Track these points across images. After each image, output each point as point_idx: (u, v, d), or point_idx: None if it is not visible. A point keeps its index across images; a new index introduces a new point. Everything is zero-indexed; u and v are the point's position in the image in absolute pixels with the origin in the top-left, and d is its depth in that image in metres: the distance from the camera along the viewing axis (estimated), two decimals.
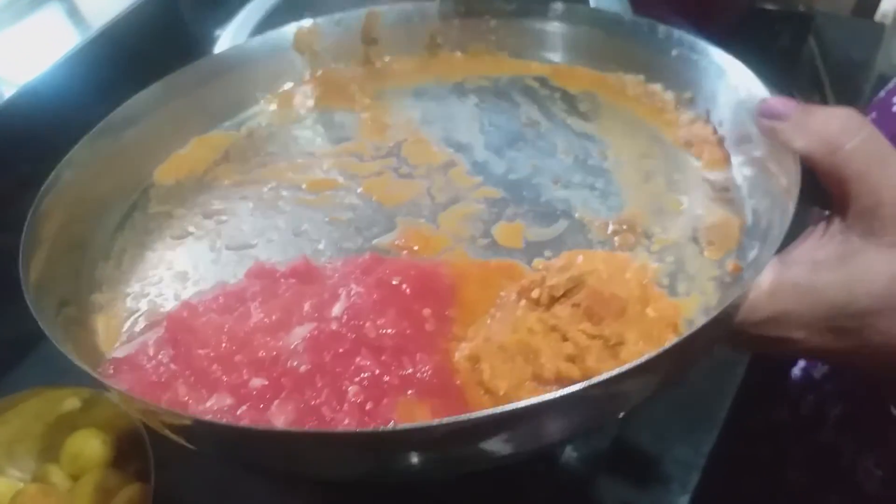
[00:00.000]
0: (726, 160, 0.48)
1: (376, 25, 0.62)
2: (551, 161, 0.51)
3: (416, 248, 0.45)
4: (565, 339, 0.34)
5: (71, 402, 0.52)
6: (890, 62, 0.79)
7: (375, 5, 0.61)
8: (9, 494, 0.49)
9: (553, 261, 0.41)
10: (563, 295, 0.36)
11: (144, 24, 0.67)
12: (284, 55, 0.61)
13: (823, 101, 0.73)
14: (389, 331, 0.36)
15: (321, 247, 0.47)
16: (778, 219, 0.40)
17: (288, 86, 0.61)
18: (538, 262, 0.43)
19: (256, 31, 0.67)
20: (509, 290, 0.40)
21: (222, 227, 0.49)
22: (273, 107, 0.60)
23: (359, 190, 0.51)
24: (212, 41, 0.67)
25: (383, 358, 0.35)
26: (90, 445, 0.51)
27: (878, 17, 0.94)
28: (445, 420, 0.27)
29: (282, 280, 0.41)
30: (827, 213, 0.39)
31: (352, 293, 0.39)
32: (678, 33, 0.53)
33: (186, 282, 0.46)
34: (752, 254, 0.42)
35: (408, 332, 0.37)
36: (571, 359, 0.34)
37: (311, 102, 0.60)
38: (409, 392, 0.34)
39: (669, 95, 0.54)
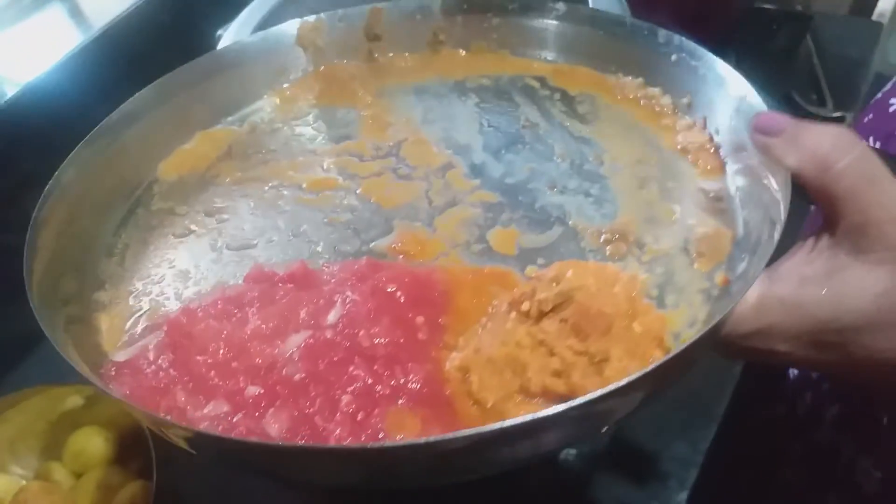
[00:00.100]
0: (721, 169, 0.49)
1: (379, 22, 0.62)
2: (548, 165, 0.52)
3: (412, 252, 0.46)
4: (552, 354, 0.35)
5: (73, 399, 0.52)
6: (887, 61, 0.79)
7: (379, 2, 0.62)
8: (11, 492, 0.50)
9: (544, 271, 0.42)
10: (552, 309, 0.37)
11: (146, 24, 0.68)
12: (288, 50, 0.61)
13: (821, 99, 0.73)
14: (382, 340, 0.37)
15: (319, 249, 0.48)
16: (767, 233, 0.41)
17: (291, 81, 0.62)
18: (531, 270, 0.44)
19: (258, 31, 0.67)
20: (501, 299, 0.41)
21: (223, 226, 0.50)
22: (276, 102, 0.61)
23: (358, 191, 0.52)
24: (213, 41, 0.67)
25: (376, 367, 0.37)
26: (92, 443, 0.51)
27: (875, 16, 0.93)
28: (429, 439, 0.28)
29: (280, 285, 0.42)
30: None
31: (347, 301, 0.39)
32: (678, 39, 0.53)
33: (188, 281, 0.47)
34: (742, 266, 0.42)
35: (401, 341, 0.38)
36: (557, 374, 0.35)
37: (313, 98, 0.61)
38: (400, 402, 0.35)
39: (667, 100, 0.54)
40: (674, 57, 0.53)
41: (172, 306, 0.45)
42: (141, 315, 0.45)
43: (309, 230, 0.49)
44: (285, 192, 0.52)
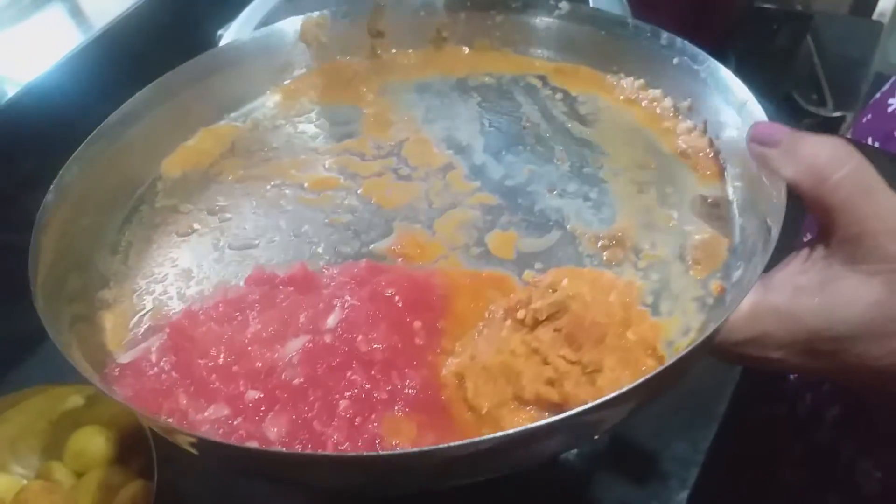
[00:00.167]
0: (720, 174, 0.49)
1: (383, 18, 0.62)
2: (548, 167, 0.52)
3: (411, 254, 0.47)
4: (546, 362, 0.36)
5: (74, 399, 0.53)
6: (887, 60, 0.79)
7: None
8: (12, 491, 0.50)
9: (541, 277, 0.42)
10: (547, 318, 0.37)
11: (146, 24, 0.68)
12: (291, 46, 0.61)
13: (821, 99, 0.73)
14: (380, 346, 0.38)
15: (320, 250, 0.48)
16: (763, 241, 0.41)
17: (294, 77, 0.62)
18: (528, 275, 0.44)
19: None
20: (498, 304, 0.41)
21: (226, 226, 0.51)
22: (278, 98, 0.61)
23: (359, 191, 0.52)
24: (214, 41, 0.68)
25: (373, 372, 0.37)
26: (93, 442, 0.52)
27: (875, 15, 0.93)
28: (421, 449, 0.29)
29: (280, 287, 0.43)
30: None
31: (346, 305, 0.40)
32: (680, 42, 0.53)
33: (190, 280, 0.47)
34: (737, 274, 0.43)
35: (398, 346, 0.38)
36: (551, 382, 0.36)
37: (315, 95, 0.61)
38: (397, 407, 0.36)
39: (668, 102, 0.54)
40: (676, 60, 0.53)
41: (175, 306, 0.45)
42: (144, 314, 0.45)
43: (310, 230, 0.50)
44: (287, 192, 0.53)
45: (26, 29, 0.69)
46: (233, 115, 0.60)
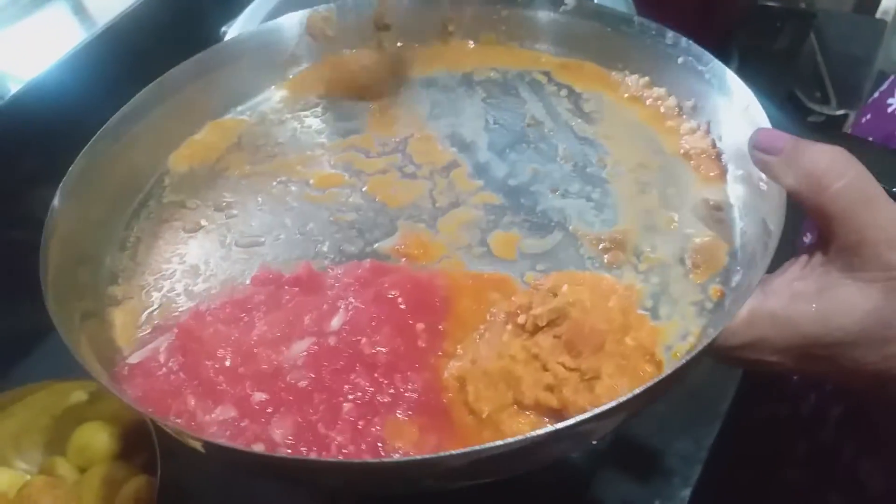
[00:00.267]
0: (722, 177, 0.49)
1: (389, 12, 0.62)
2: (551, 166, 0.53)
3: (414, 254, 0.47)
4: (546, 369, 0.37)
5: (78, 395, 0.53)
6: (890, 59, 0.78)
7: None
8: (16, 487, 0.50)
9: (542, 280, 0.43)
10: (547, 324, 0.38)
11: (150, 20, 0.68)
12: (298, 40, 0.62)
13: (824, 97, 0.73)
14: (383, 349, 0.39)
15: (325, 248, 0.49)
16: (763, 247, 0.42)
17: (300, 71, 0.62)
18: (530, 277, 0.45)
19: None
20: (499, 307, 0.42)
21: (232, 222, 0.51)
22: (285, 93, 0.61)
23: (364, 188, 0.53)
24: (218, 38, 0.68)
25: (376, 375, 0.38)
26: (97, 438, 0.52)
27: (879, 13, 0.92)
28: (420, 457, 0.29)
29: (286, 287, 0.44)
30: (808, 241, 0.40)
31: (350, 307, 0.41)
32: (686, 41, 0.53)
33: (198, 277, 0.48)
34: (736, 279, 0.43)
35: (401, 349, 0.39)
36: (550, 388, 0.36)
37: (321, 89, 0.61)
38: (399, 409, 0.37)
39: (672, 101, 0.55)
40: (681, 59, 0.53)
41: (183, 303, 0.46)
42: (153, 311, 0.46)
43: (315, 228, 0.50)
44: (293, 188, 0.53)
45: (29, 26, 0.69)
46: (239, 108, 0.60)
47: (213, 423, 0.36)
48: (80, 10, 0.69)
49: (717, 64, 0.50)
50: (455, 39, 0.63)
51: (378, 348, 0.39)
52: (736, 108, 0.48)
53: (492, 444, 0.30)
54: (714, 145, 0.51)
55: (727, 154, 0.50)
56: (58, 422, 0.54)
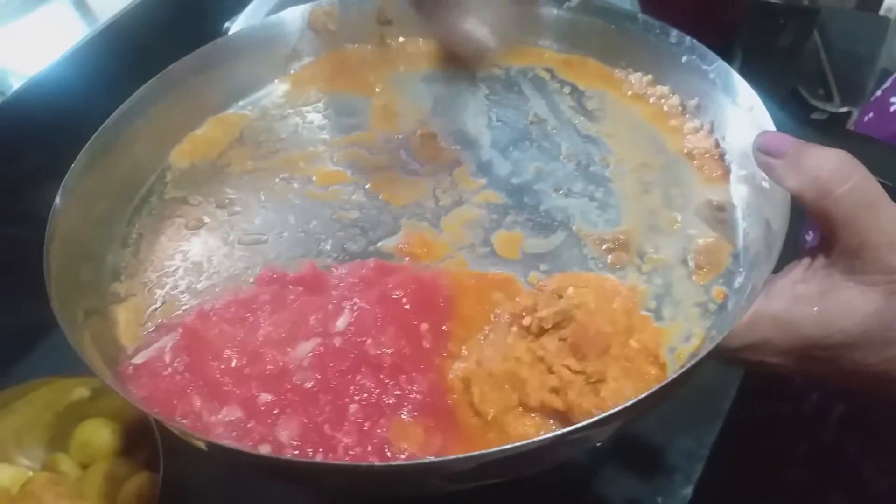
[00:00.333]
0: (725, 177, 0.49)
1: (392, 6, 0.62)
2: (555, 165, 0.53)
3: (418, 253, 0.47)
4: (551, 371, 0.37)
5: (80, 391, 0.53)
6: (893, 56, 0.78)
7: None
8: (18, 483, 0.50)
9: (546, 281, 0.43)
10: (552, 327, 0.38)
11: (152, 16, 0.67)
12: (299, 34, 0.61)
13: (828, 94, 0.73)
14: (389, 349, 0.39)
15: (328, 247, 0.49)
16: (766, 249, 0.42)
17: (302, 66, 0.62)
18: (533, 277, 0.45)
19: None
20: (503, 308, 0.42)
21: (235, 219, 0.51)
22: (287, 87, 0.61)
23: (366, 186, 0.53)
24: (221, 34, 0.67)
25: (382, 376, 0.38)
26: (99, 435, 0.52)
27: (882, 10, 0.92)
28: (426, 460, 0.30)
29: (290, 287, 0.44)
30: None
31: (355, 307, 0.41)
32: (690, 40, 0.53)
33: (201, 275, 0.48)
34: (739, 280, 0.43)
35: (406, 350, 0.39)
36: (555, 391, 0.37)
37: (323, 84, 0.61)
38: (405, 411, 0.37)
39: (676, 100, 0.55)
40: (684, 58, 0.53)
41: (186, 301, 0.46)
42: (156, 309, 0.46)
43: (318, 226, 0.50)
44: (295, 185, 0.53)
45: (31, 22, 0.69)
46: (241, 103, 0.60)
47: (220, 423, 0.36)
48: (82, 6, 0.69)
49: (721, 64, 0.50)
50: None
51: (383, 349, 0.39)
52: (740, 109, 0.49)
53: (502, 448, 0.30)
54: (717, 145, 0.51)
55: (730, 154, 0.50)
56: (60, 418, 0.54)
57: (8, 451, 0.53)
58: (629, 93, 0.57)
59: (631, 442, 0.55)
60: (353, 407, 0.37)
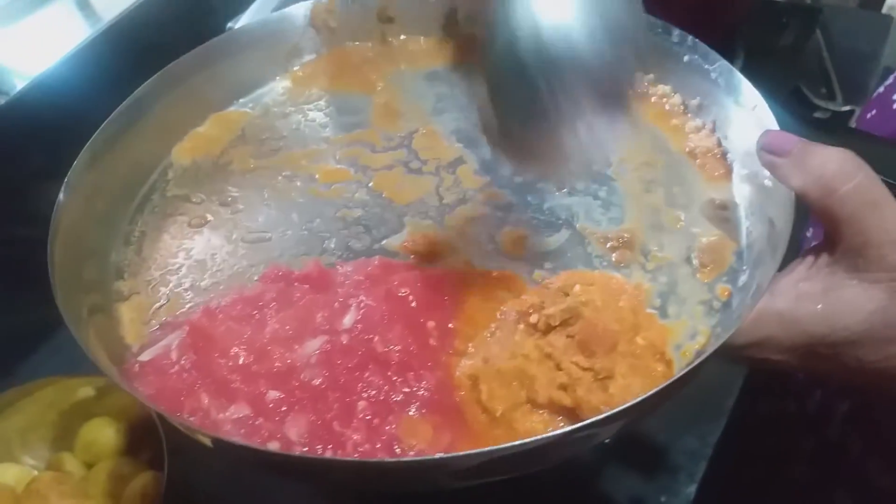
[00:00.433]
0: (727, 176, 0.49)
1: (393, 3, 0.62)
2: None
3: (422, 251, 0.47)
4: (559, 368, 0.37)
5: (85, 390, 0.53)
6: None
7: None
8: (24, 482, 0.50)
9: (552, 279, 0.43)
10: (560, 324, 0.38)
11: (155, 16, 0.67)
12: (301, 32, 0.61)
13: (830, 93, 0.73)
14: (396, 347, 0.39)
15: (332, 245, 0.49)
16: (770, 247, 0.42)
17: (303, 63, 0.62)
18: (538, 275, 0.45)
19: None
20: (509, 306, 0.42)
21: (238, 217, 0.51)
22: (288, 84, 0.61)
23: (370, 184, 0.53)
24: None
25: (389, 373, 0.38)
26: (104, 434, 0.52)
27: (885, 9, 0.93)
28: (439, 456, 0.30)
29: (296, 284, 0.44)
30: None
31: (361, 305, 0.41)
32: (692, 40, 0.53)
33: (205, 273, 0.48)
34: (743, 279, 0.44)
35: (413, 347, 0.39)
36: (564, 387, 0.37)
37: (325, 82, 0.61)
38: (413, 408, 0.37)
39: (677, 99, 0.55)
40: (686, 58, 0.53)
41: (190, 298, 0.46)
42: (160, 307, 0.46)
43: (321, 224, 0.50)
44: (298, 183, 0.53)
45: (34, 22, 0.69)
46: (242, 100, 0.60)
47: (228, 421, 0.36)
48: (85, 7, 0.68)
49: (723, 63, 0.51)
50: (459, 32, 0.63)
51: (390, 346, 0.39)
52: (742, 109, 0.49)
53: (514, 443, 0.30)
54: (719, 144, 0.51)
55: (732, 153, 0.50)
56: (65, 418, 0.53)
57: (13, 451, 0.53)
58: (630, 91, 0.57)
59: (634, 441, 0.55)
60: (361, 404, 0.37)
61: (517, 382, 0.38)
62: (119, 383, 0.36)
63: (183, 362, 0.39)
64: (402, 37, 0.63)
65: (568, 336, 0.38)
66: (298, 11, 0.61)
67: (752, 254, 0.45)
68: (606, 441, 0.37)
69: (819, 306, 0.38)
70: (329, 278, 0.44)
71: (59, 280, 0.42)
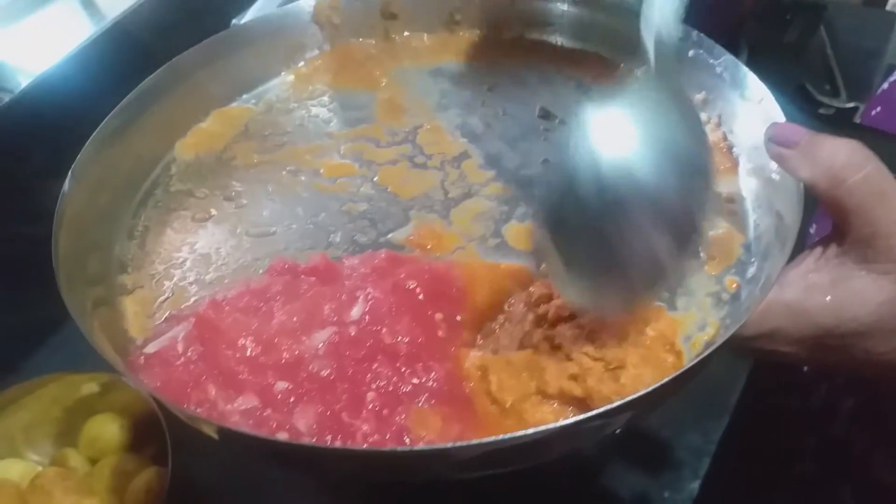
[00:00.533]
0: (734, 169, 0.49)
1: (396, 0, 0.62)
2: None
3: (428, 245, 0.47)
4: (569, 358, 0.37)
5: (89, 386, 0.53)
6: None
7: None
8: (28, 478, 0.50)
9: None
10: (569, 316, 0.38)
11: (159, 15, 0.67)
12: (304, 28, 0.61)
13: (834, 90, 0.73)
14: (404, 339, 0.39)
15: (337, 239, 0.48)
16: (778, 239, 0.42)
17: (306, 59, 0.62)
18: (546, 268, 0.45)
19: None
20: (517, 297, 0.42)
21: (243, 212, 0.51)
22: (292, 80, 0.61)
23: (374, 179, 0.52)
24: None
25: (398, 365, 0.38)
26: (108, 430, 0.52)
27: (889, 6, 0.93)
28: (451, 445, 0.29)
29: (302, 277, 0.43)
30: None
31: (369, 297, 0.41)
32: (697, 34, 0.53)
33: (209, 266, 0.48)
34: (751, 271, 0.44)
35: (421, 339, 0.39)
36: (574, 377, 0.37)
37: (328, 78, 0.61)
38: (422, 399, 0.37)
39: None
40: (691, 52, 0.53)
41: (195, 292, 0.46)
42: (164, 301, 0.46)
43: (326, 219, 0.50)
44: (302, 178, 0.53)
45: (38, 20, 0.68)
46: (245, 96, 0.59)
47: (235, 412, 0.36)
48: (89, 5, 0.68)
49: (729, 57, 0.51)
50: (462, 29, 0.63)
51: (399, 338, 0.39)
52: (748, 103, 0.49)
53: (529, 431, 0.30)
54: (725, 138, 0.51)
55: (738, 147, 0.50)
56: (69, 413, 0.53)
57: (17, 446, 0.53)
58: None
59: (638, 436, 0.55)
60: (370, 395, 0.37)
61: (527, 373, 0.37)
62: (122, 374, 0.36)
63: (189, 354, 0.39)
64: (406, 33, 0.63)
65: (578, 327, 0.38)
66: (302, 8, 0.61)
67: (760, 246, 0.44)
68: (617, 431, 0.36)
69: (828, 297, 0.38)
70: (336, 271, 0.44)
71: (64, 272, 0.42)
